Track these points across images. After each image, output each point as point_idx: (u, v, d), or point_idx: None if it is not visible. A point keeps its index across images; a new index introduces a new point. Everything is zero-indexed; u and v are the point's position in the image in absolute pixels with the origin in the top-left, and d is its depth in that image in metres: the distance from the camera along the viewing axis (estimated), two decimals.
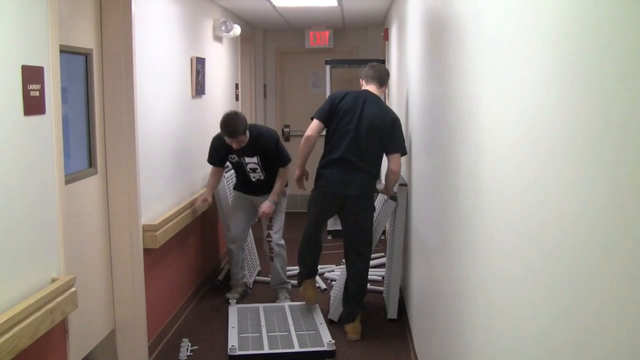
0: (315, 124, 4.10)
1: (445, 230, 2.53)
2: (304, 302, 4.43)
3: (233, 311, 4.37)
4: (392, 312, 4.39)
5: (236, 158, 4.55)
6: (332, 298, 4.63)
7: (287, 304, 4.53)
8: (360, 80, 4.28)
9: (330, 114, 4.03)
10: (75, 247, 2.93)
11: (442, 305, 2.60)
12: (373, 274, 5.31)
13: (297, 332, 4.03)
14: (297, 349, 3.80)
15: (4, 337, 1.99)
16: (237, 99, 6.68)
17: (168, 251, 4.10)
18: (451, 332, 2.37)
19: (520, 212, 1.41)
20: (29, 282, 2.25)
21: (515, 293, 1.46)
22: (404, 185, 4.25)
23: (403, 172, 4.56)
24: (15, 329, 2.06)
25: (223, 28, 5.57)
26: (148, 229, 3.66)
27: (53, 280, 2.40)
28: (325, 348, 3.78)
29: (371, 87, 4.15)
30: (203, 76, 5.05)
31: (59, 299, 2.36)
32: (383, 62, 6.73)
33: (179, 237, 4.25)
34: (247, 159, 4.53)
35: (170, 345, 4.01)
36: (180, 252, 4.45)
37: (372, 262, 5.67)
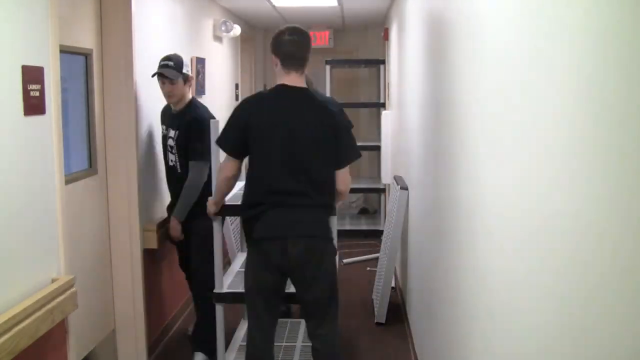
0: (227, 165, 2.81)
1: (444, 230, 2.53)
2: None
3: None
4: (381, 316, 4.33)
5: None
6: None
7: None
8: (274, 65, 2.80)
9: (243, 139, 2.71)
10: (75, 247, 2.92)
11: (442, 305, 2.60)
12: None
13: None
14: None
15: (4, 337, 1.98)
16: (237, 99, 6.68)
17: (168, 251, 4.10)
18: (451, 332, 2.37)
19: (521, 211, 1.41)
20: (29, 282, 2.25)
21: (515, 292, 1.46)
22: (404, 189, 4.21)
23: (403, 174, 4.53)
24: (16, 329, 2.06)
25: (223, 28, 5.58)
26: (148, 229, 3.66)
27: (53, 280, 2.40)
28: None
29: (291, 77, 2.75)
30: (203, 76, 5.05)
31: (59, 299, 2.36)
32: (383, 62, 6.70)
33: None
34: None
35: (170, 346, 4.01)
36: None
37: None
